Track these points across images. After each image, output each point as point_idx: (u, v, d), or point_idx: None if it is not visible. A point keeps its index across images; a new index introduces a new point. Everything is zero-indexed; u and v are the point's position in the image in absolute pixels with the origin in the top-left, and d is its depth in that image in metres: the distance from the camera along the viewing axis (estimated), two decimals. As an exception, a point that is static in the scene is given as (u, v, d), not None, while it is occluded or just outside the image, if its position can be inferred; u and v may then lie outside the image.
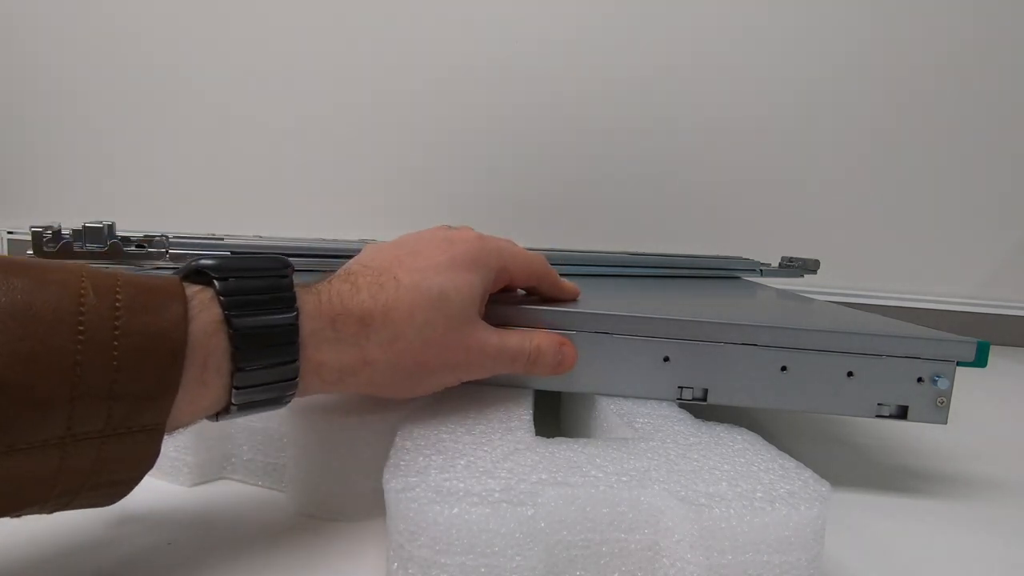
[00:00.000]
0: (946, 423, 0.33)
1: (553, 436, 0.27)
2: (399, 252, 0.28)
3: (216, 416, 0.23)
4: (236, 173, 0.94)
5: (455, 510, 0.20)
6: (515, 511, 0.21)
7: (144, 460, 0.20)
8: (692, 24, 0.86)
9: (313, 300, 0.24)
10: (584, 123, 0.89)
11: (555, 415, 0.39)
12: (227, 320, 0.21)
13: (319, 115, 0.92)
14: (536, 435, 0.27)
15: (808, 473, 0.25)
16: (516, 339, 0.30)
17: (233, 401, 0.22)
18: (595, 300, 0.38)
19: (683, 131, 0.88)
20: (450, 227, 0.32)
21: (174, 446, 0.30)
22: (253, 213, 0.92)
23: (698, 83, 0.87)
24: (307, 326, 0.24)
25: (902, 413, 0.33)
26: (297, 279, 0.24)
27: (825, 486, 0.24)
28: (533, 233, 0.89)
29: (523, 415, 0.29)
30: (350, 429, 0.27)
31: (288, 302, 0.23)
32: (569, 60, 0.87)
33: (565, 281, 0.35)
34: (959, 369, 0.33)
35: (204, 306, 0.21)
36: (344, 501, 0.28)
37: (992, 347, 0.33)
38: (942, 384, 0.32)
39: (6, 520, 0.19)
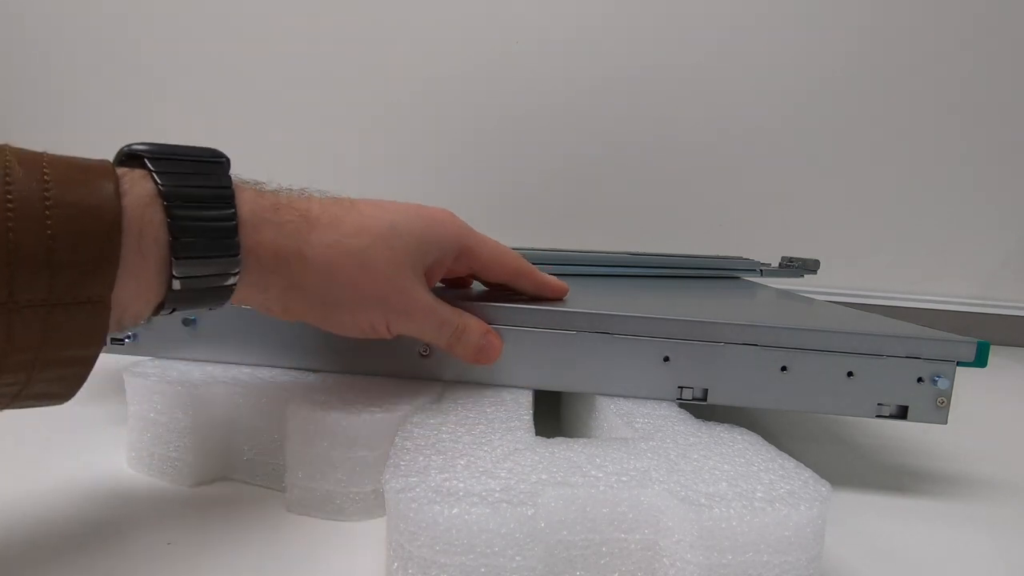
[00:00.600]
0: (946, 423, 0.33)
1: (553, 436, 0.27)
2: (358, 199, 0.28)
3: (162, 307, 0.23)
4: (236, 173, 0.94)
5: (455, 510, 0.20)
6: (515, 511, 0.21)
7: (93, 335, 0.20)
8: (693, 24, 0.86)
9: (252, 189, 0.25)
10: (584, 123, 0.89)
11: (555, 415, 0.39)
12: (161, 193, 0.21)
13: (318, 115, 0.92)
14: (536, 435, 0.27)
15: (808, 473, 0.25)
16: (448, 309, 0.30)
17: (175, 274, 0.22)
18: (595, 300, 0.38)
19: (683, 131, 0.88)
20: None
21: (174, 446, 0.30)
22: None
23: (698, 83, 0.87)
24: (245, 203, 0.24)
25: (902, 413, 0.33)
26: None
27: (825, 486, 0.24)
28: (533, 233, 0.89)
29: (523, 415, 0.29)
30: (350, 428, 0.27)
31: (221, 176, 0.24)
32: (569, 60, 0.87)
33: (549, 277, 0.34)
34: (959, 369, 0.33)
35: (136, 181, 0.21)
36: (344, 501, 0.28)
37: (992, 347, 0.33)
38: (942, 384, 0.32)
39: (6, 520, 0.19)
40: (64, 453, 0.32)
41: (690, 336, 0.32)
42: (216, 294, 0.24)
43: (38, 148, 0.20)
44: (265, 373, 0.33)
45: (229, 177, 0.24)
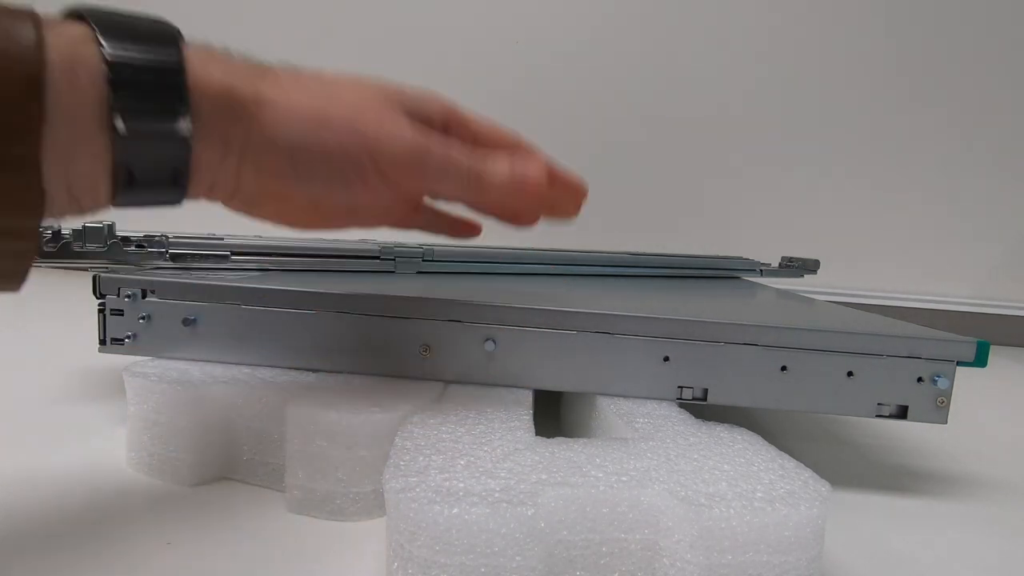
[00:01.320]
0: (946, 423, 0.33)
1: (553, 436, 0.27)
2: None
3: (117, 174, 0.20)
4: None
5: (455, 510, 0.20)
6: (515, 511, 0.21)
7: (26, 201, 0.18)
8: (692, 24, 0.86)
9: (201, 44, 0.23)
10: (584, 123, 0.89)
11: (555, 415, 0.39)
12: (95, 29, 0.19)
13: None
14: (536, 435, 0.27)
15: (808, 473, 0.25)
16: (438, 144, 0.26)
17: (114, 108, 0.19)
18: (595, 300, 0.38)
19: (683, 131, 0.88)
20: None
21: (174, 446, 0.30)
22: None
23: (698, 83, 0.87)
24: (190, 44, 0.22)
25: (902, 413, 0.33)
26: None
27: (825, 486, 0.24)
28: (533, 233, 0.89)
29: (523, 415, 0.29)
30: (350, 428, 0.27)
31: (165, 25, 0.22)
32: (569, 60, 0.87)
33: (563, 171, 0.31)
34: (959, 369, 0.33)
35: (66, 24, 0.19)
36: (344, 501, 0.28)
37: (992, 347, 0.33)
38: (942, 384, 0.32)
39: (6, 520, 0.19)
40: (64, 453, 0.32)
41: (690, 336, 0.32)
42: (173, 149, 0.21)
43: None
44: (265, 373, 0.33)
45: (169, 24, 0.22)
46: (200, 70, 0.21)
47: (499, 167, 0.27)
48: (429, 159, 0.25)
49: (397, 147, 0.25)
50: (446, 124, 0.27)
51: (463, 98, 0.30)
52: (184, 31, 0.22)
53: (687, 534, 0.21)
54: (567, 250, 0.56)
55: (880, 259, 0.89)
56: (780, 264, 0.63)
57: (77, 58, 0.19)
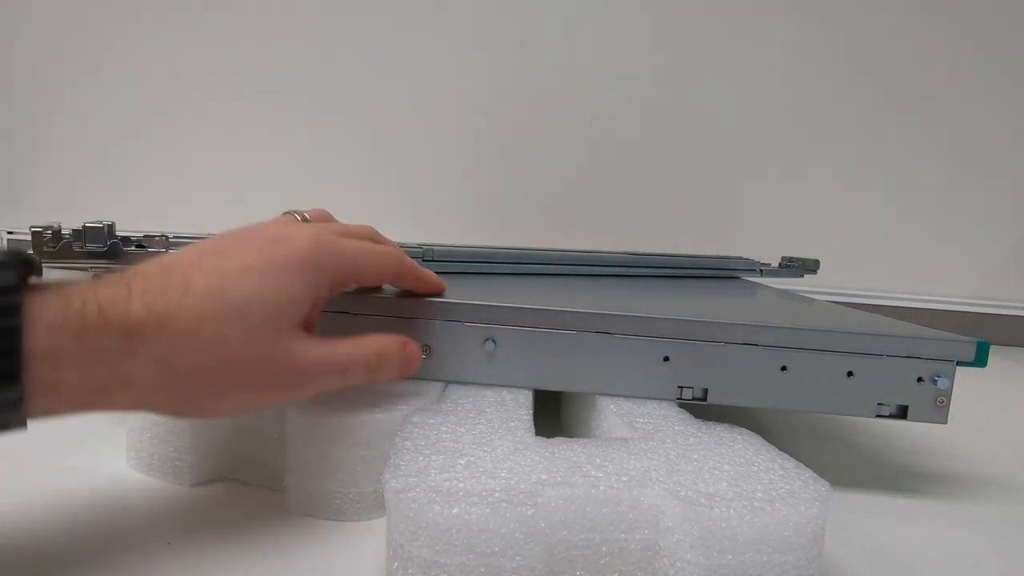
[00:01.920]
0: (946, 423, 0.33)
1: (553, 436, 0.27)
2: (203, 251, 0.24)
3: None
4: (236, 173, 0.94)
5: (455, 510, 0.20)
6: (515, 511, 0.21)
7: None
8: (691, 24, 0.86)
9: (57, 307, 0.20)
10: (584, 123, 0.89)
11: (555, 415, 0.39)
12: None
13: (319, 115, 0.92)
14: (536, 435, 0.27)
15: (808, 473, 0.25)
16: (347, 348, 0.26)
17: None
18: (595, 300, 0.38)
19: (683, 131, 0.88)
20: (299, 215, 0.29)
21: (174, 446, 0.30)
22: (253, 213, 0.92)
23: (698, 82, 0.87)
24: (40, 340, 0.19)
25: (902, 413, 0.33)
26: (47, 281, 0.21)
27: (825, 486, 0.24)
28: (533, 233, 0.89)
29: (523, 415, 0.29)
30: (350, 428, 0.27)
31: (7, 309, 0.19)
32: (569, 61, 0.87)
33: (426, 273, 0.32)
34: (959, 369, 0.33)
35: None
36: (344, 501, 0.28)
37: (992, 347, 0.33)
38: (942, 384, 0.32)
39: (5, 520, 0.19)
40: (64, 453, 0.32)
41: (690, 336, 0.32)
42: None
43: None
44: (265, 373, 0.32)
45: (16, 299, 0.19)
46: (48, 370, 0.19)
47: (393, 364, 0.28)
48: (335, 383, 0.25)
49: (300, 393, 0.25)
50: (333, 287, 0.27)
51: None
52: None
53: (687, 534, 0.21)
54: (567, 250, 0.56)
55: (880, 259, 0.89)
56: (780, 264, 0.62)
57: None
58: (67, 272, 0.38)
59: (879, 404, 0.33)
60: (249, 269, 0.23)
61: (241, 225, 0.26)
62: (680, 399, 0.33)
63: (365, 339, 0.27)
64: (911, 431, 0.45)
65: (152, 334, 0.21)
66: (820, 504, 0.22)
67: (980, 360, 0.33)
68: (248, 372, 0.23)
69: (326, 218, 0.31)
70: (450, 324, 0.32)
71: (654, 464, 0.25)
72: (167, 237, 0.39)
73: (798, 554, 0.22)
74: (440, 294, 0.33)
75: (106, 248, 0.37)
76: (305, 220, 0.30)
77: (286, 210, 0.30)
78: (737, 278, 0.61)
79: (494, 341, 0.32)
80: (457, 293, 0.34)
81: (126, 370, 0.21)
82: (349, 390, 0.31)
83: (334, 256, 0.26)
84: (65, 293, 0.20)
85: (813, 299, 0.50)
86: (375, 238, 0.31)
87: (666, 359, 0.33)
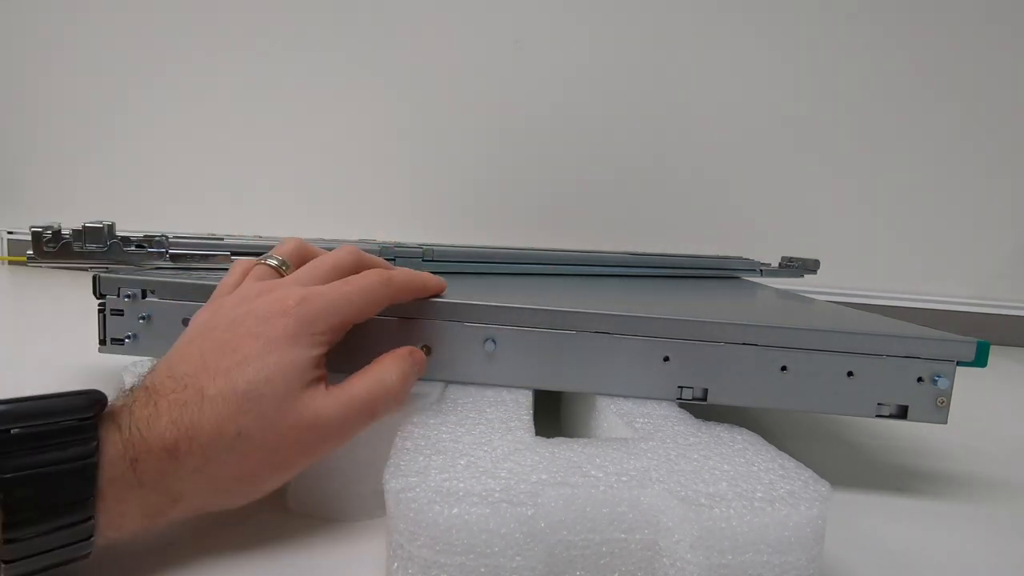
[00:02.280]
0: (946, 423, 0.33)
1: (553, 436, 0.27)
2: (205, 350, 0.24)
3: None
4: (236, 173, 0.94)
5: (455, 510, 0.20)
6: (515, 511, 0.21)
7: None
8: (691, 24, 0.86)
9: (115, 438, 0.21)
10: (584, 124, 0.89)
11: (555, 415, 0.39)
12: None
13: (320, 116, 0.92)
14: (536, 435, 0.27)
15: (808, 473, 0.25)
16: (362, 386, 0.26)
17: (3, 558, 0.18)
18: (595, 300, 0.38)
19: (683, 131, 0.88)
20: (275, 260, 0.29)
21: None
22: (253, 213, 0.92)
23: (697, 82, 0.87)
24: (107, 473, 0.20)
25: (902, 413, 0.33)
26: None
27: (825, 486, 0.24)
28: (533, 234, 0.89)
29: (523, 415, 0.29)
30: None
31: (85, 442, 0.20)
32: (569, 61, 0.87)
33: (420, 279, 0.31)
34: (959, 369, 0.33)
35: None
36: (344, 501, 0.28)
37: (992, 347, 0.33)
38: (942, 384, 0.32)
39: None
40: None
41: (690, 336, 0.32)
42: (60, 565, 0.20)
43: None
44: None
45: (94, 434, 0.20)
46: (114, 501, 0.21)
47: (410, 376, 0.28)
48: (365, 422, 0.26)
49: (334, 445, 0.25)
50: (334, 337, 0.26)
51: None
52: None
53: (687, 534, 0.21)
54: (567, 250, 0.56)
55: (880, 259, 0.89)
56: (780, 264, 0.63)
57: None
58: (67, 272, 0.38)
59: (879, 404, 0.33)
60: (248, 358, 0.23)
61: (222, 307, 0.26)
62: (680, 399, 0.33)
63: (376, 370, 0.27)
64: (911, 431, 0.45)
65: (186, 448, 0.22)
66: (820, 504, 0.22)
67: (980, 360, 0.33)
68: (278, 451, 0.23)
69: (300, 252, 0.30)
70: (450, 324, 0.32)
71: (654, 464, 0.25)
72: (167, 237, 0.39)
73: (798, 554, 0.22)
74: (440, 293, 0.33)
75: (106, 248, 0.37)
76: (281, 269, 0.29)
77: (258, 261, 0.29)
78: (737, 278, 0.61)
79: (494, 341, 0.32)
80: (457, 293, 0.34)
81: (174, 487, 0.22)
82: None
83: (325, 312, 0.26)
84: (116, 422, 0.21)
85: (813, 299, 0.50)
86: (358, 262, 0.30)
87: (666, 359, 0.33)
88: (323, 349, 0.26)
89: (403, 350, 0.28)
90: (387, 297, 0.29)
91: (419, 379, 0.30)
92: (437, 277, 0.32)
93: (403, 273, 0.30)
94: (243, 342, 0.24)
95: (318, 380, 0.25)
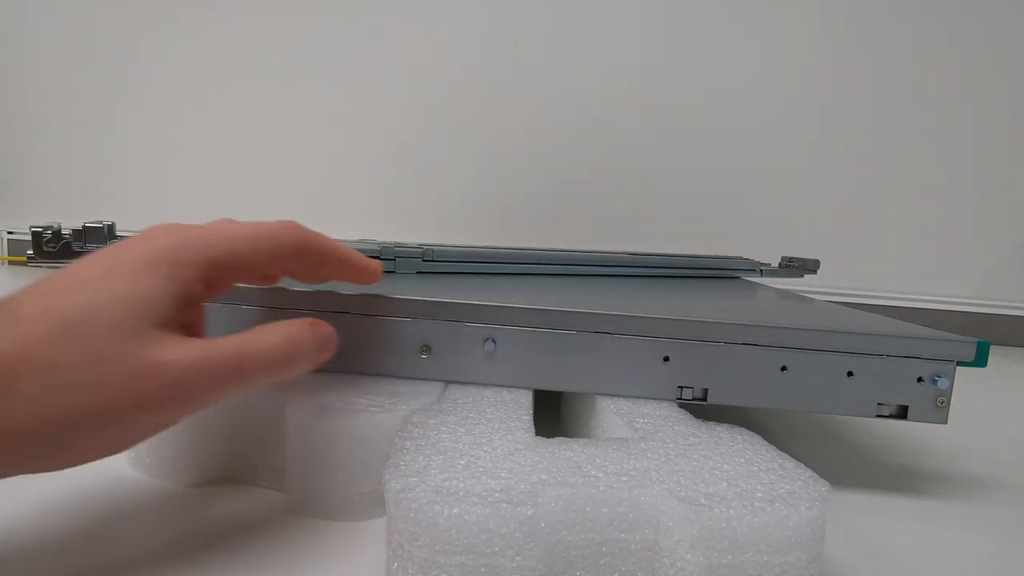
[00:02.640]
0: (946, 423, 0.33)
1: (553, 436, 0.27)
2: (46, 276, 0.20)
3: None
4: (237, 173, 0.94)
5: (455, 510, 0.20)
6: (515, 511, 0.21)
7: None
8: (690, 24, 0.86)
9: None
10: (583, 124, 0.89)
11: (555, 415, 0.39)
12: None
13: (320, 115, 0.92)
14: (536, 435, 0.27)
15: (808, 473, 0.25)
16: (232, 342, 0.21)
17: None
18: (595, 300, 0.38)
19: (683, 131, 0.88)
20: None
21: (174, 446, 0.30)
22: (253, 213, 0.92)
23: (698, 82, 0.87)
24: None
25: (902, 413, 0.33)
26: None
27: (825, 486, 0.24)
28: (534, 234, 0.89)
29: (523, 415, 0.29)
30: (350, 428, 0.27)
31: None
32: (568, 61, 0.87)
33: (344, 251, 0.26)
34: (959, 369, 0.33)
35: None
36: (344, 501, 0.28)
37: (992, 347, 0.33)
38: (942, 384, 0.32)
39: (5, 520, 0.19)
40: (64, 453, 0.32)
41: (690, 336, 0.32)
42: None
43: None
44: (265, 373, 0.32)
45: None
46: None
47: (307, 349, 0.24)
48: (214, 395, 0.21)
49: (183, 408, 0.21)
50: (210, 276, 0.22)
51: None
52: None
53: (687, 534, 0.21)
54: (567, 250, 0.56)
55: (880, 259, 0.89)
56: (780, 264, 0.63)
57: None
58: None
59: (879, 404, 0.33)
60: (84, 281, 0.20)
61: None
62: (680, 399, 0.33)
63: (264, 328, 0.23)
64: (911, 431, 0.45)
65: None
66: (820, 504, 0.22)
67: (980, 360, 0.33)
68: (101, 389, 0.19)
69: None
70: (450, 324, 0.32)
71: (654, 464, 0.25)
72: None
73: (798, 554, 0.22)
74: (373, 281, 0.29)
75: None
76: None
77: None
78: (737, 278, 0.61)
79: (494, 341, 0.32)
80: (457, 293, 0.34)
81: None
82: (349, 386, 0.31)
83: (195, 243, 0.22)
84: None
85: (813, 299, 0.50)
86: (294, 240, 0.25)
87: (666, 359, 0.33)
88: (188, 289, 0.21)
89: (305, 320, 0.24)
90: (287, 243, 0.24)
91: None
92: (377, 262, 0.28)
93: (323, 236, 0.26)
94: (88, 267, 0.21)
95: (173, 322, 0.21)
